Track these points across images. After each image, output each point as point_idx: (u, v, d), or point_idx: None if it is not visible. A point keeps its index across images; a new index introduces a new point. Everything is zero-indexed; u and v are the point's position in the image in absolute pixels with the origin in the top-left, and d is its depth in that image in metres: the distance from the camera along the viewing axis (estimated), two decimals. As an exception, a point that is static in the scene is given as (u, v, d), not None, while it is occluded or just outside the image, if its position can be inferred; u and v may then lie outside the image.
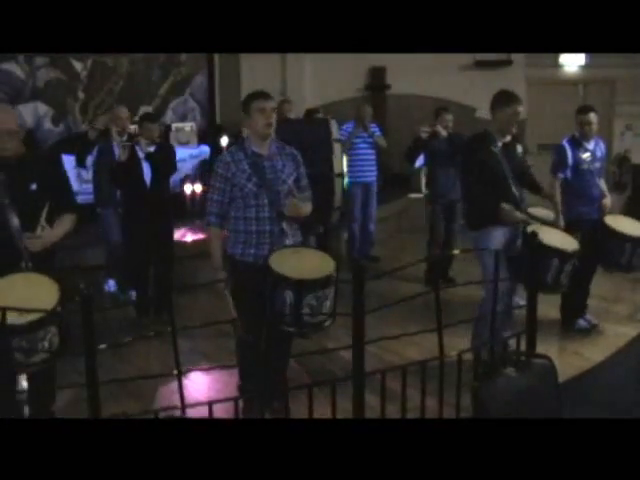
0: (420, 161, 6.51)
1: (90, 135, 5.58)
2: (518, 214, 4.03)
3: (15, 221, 3.07)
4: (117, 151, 5.31)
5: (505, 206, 3.97)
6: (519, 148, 4.31)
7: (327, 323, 3.15)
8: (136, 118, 6.24)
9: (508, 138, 4.19)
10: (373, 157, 6.88)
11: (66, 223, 3.30)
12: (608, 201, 4.98)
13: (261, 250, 3.44)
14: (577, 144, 4.86)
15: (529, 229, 3.85)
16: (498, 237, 4.04)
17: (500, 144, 4.10)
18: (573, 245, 3.93)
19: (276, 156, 3.52)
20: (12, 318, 2.54)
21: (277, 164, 3.50)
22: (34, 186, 3.17)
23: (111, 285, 5.80)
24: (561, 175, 4.84)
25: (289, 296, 3.05)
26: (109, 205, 5.62)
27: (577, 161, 4.82)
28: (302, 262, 3.25)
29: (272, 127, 3.45)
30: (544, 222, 4.38)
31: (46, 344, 2.65)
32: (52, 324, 2.67)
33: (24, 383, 3.23)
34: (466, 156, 4.31)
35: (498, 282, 3.91)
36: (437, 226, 6.33)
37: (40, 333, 2.62)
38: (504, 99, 4.12)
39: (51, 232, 3.17)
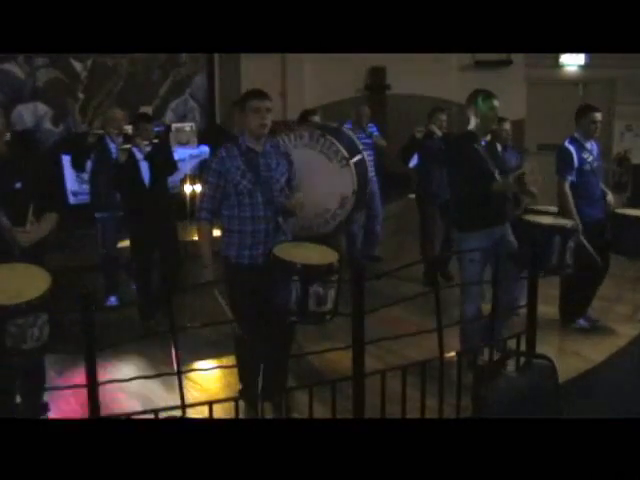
0: (414, 161, 6.50)
1: (90, 140, 5.55)
2: (509, 181, 4.04)
3: (4, 219, 3.14)
4: (116, 153, 5.29)
5: (497, 180, 3.98)
6: (499, 147, 4.32)
7: (329, 316, 3.15)
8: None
9: (488, 137, 4.20)
10: (372, 158, 6.87)
11: (50, 221, 3.40)
12: (611, 198, 4.97)
13: (255, 250, 3.44)
14: (579, 145, 4.85)
15: (525, 217, 3.88)
16: (482, 241, 4.04)
17: (484, 143, 4.12)
18: (570, 222, 3.97)
19: (270, 154, 3.52)
20: (2, 299, 2.56)
21: (271, 162, 3.50)
22: (19, 185, 3.27)
23: (112, 301, 5.75)
24: (569, 178, 4.80)
25: (296, 285, 3.04)
26: (107, 210, 5.57)
27: (581, 162, 4.81)
28: (306, 253, 3.26)
29: (266, 127, 3.45)
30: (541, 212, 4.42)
31: (36, 331, 2.62)
32: (43, 310, 2.66)
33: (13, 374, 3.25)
34: (451, 156, 4.32)
35: (474, 286, 3.97)
36: (429, 226, 6.32)
37: (30, 318, 2.60)
38: (479, 97, 4.12)
39: (39, 228, 3.27)
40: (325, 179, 4.38)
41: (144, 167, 5.15)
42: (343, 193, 4.48)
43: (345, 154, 4.50)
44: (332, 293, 3.10)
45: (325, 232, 4.58)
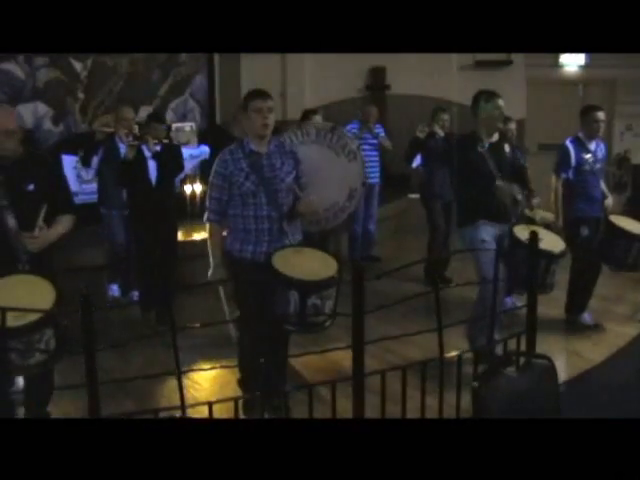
0: (417, 161, 6.50)
1: (98, 136, 5.55)
2: (514, 187, 4.03)
3: (13, 222, 3.08)
4: (124, 151, 5.29)
5: (500, 183, 3.96)
6: (507, 147, 4.30)
7: (328, 323, 3.16)
8: (137, 118, 6.22)
9: (495, 137, 4.18)
10: (376, 158, 6.88)
11: (63, 224, 3.32)
12: (610, 202, 4.98)
13: (259, 247, 3.45)
14: (580, 144, 4.86)
15: (516, 230, 3.86)
16: (489, 231, 4.04)
17: (487, 144, 4.10)
18: (560, 246, 3.94)
19: (275, 154, 3.53)
20: (8, 320, 2.54)
21: (276, 162, 3.51)
22: (31, 187, 3.18)
23: (114, 290, 5.77)
24: (563, 175, 4.82)
25: (294, 297, 3.05)
26: (115, 206, 5.58)
27: (580, 162, 4.82)
28: (305, 262, 3.26)
29: (269, 127, 3.46)
30: (534, 222, 4.38)
31: (42, 346, 2.64)
32: (48, 326, 2.66)
33: (20, 384, 3.23)
34: (454, 157, 4.32)
35: (489, 279, 3.94)
36: (438, 225, 6.32)
37: (36, 335, 2.62)
38: (483, 97, 4.12)
39: (48, 232, 3.18)
40: (333, 173, 4.42)
41: (152, 166, 5.16)
42: (352, 186, 4.53)
43: (353, 147, 4.56)
44: (330, 304, 3.11)
45: (334, 226, 4.66)
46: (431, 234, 6.42)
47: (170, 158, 5.26)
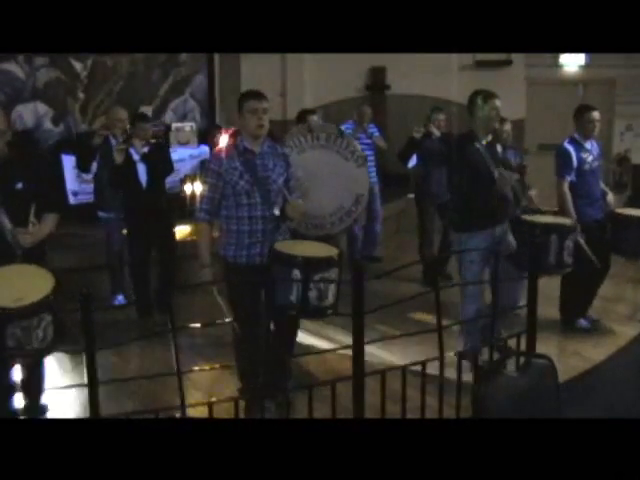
0: (413, 161, 6.49)
1: (95, 141, 5.52)
2: (512, 175, 4.04)
3: (6, 220, 3.16)
4: (114, 155, 5.26)
5: (500, 170, 3.97)
6: (499, 148, 4.32)
7: (330, 312, 3.17)
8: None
9: (489, 137, 4.19)
10: (372, 158, 6.87)
11: (50, 222, 3.42)
12: (611, 197, 4.98)
13: (253, 250, 3.46)
14: (578, 145, 4.85)
15: (523, 217, 3.88)
16: (481, 242, 4.04)
17: (484, 143, 4.12)
18: (567, 220, 3.96)
19: (268, 155, 3.54)
20: (7, 303, 2.56)
21: (269, 163, 3.52)
22: (20, 185, 3.28)
23: (120, 300, 5.73)
24: (568, 178, 4.81)
25: (296, 276, 3.06)
26: (112, 210, 5.56)
27: (580, 162, 4.82)
28: (306, 248, 3.31)
29: (264, 128, 3.46)
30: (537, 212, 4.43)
31: (40, 333, 2.64)
32: (46, 312, 2.67)
33: (16, 375, 3.25)
34: (452, 156, 4.33)
35: (473, 286, 3.98)
36: (428, 226, 6.32)
37: (34, 320, 2.62)
38: (480, 97, 4.12)
39: (40, 229, 3.30)
40: (341, 178, 4.46)
41: (141, 168, 5.15)
42: (359, 192, 4.58)
43: (361, 153, 4.61)
44: (333, 288, 3.12)
45: (338, 230, 4.68)
46: (420, 237, 6.43)
47: (159, 159, 5.23)
